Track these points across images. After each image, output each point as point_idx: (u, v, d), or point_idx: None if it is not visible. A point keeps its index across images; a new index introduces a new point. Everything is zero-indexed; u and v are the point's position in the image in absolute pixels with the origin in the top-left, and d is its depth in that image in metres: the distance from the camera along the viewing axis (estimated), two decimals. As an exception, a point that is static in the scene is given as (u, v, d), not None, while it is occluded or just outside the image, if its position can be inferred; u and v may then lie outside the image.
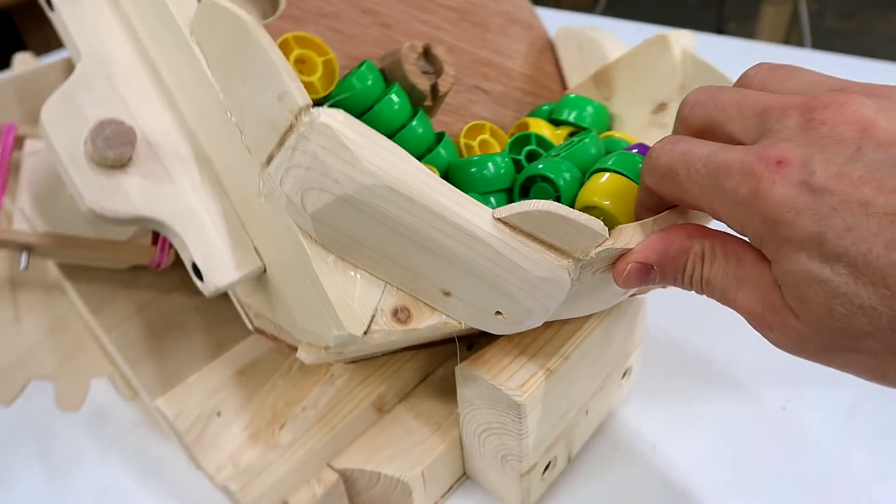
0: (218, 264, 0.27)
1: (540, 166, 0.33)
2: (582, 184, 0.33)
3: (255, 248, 0.28)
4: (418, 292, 0.27)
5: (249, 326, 0.33)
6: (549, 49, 0.47)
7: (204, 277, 0.27)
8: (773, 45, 0.80)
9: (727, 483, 0.38)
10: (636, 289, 0.28)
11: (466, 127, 0.39)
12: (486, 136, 0.40)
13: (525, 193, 0.34)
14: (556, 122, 0.41)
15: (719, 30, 1.79)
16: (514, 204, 0.24)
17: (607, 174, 0.32)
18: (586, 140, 0.35)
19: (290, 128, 0.23)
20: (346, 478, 0.35)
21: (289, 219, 0.26)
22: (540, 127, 0.40)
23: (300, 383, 0.36)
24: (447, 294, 0.26)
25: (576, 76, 0.46)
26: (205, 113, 0.27)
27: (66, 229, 0.31)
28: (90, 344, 0.35)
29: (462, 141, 0.39)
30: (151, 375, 0.34)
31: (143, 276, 0.35)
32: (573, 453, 0.38)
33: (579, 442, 0.38)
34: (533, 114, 0.43)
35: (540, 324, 0.28)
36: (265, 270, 0.29)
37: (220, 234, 0.28)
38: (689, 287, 0.25)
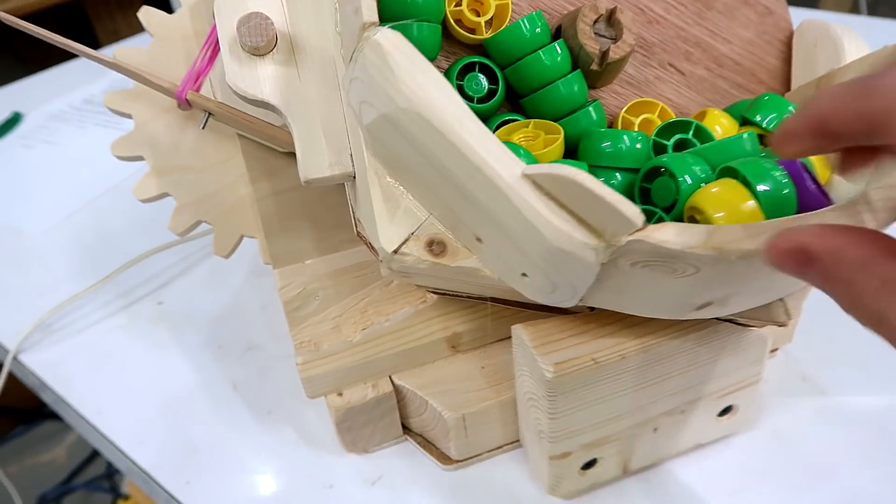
0: (314, 159, 0.31)
1: (665, 158, 0.30)
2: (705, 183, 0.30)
3: (351, 155, 0.31)
4: (456, 230, 0.27)
5: (354, 230, 0.36)
6: (784, 42, 0.41)
7: (299, 167, 0.31)
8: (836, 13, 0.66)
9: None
10: (741, 314, 0.24)
11: (634, 101, 0.37)
12: (652, 115, 0.37)
13: (648, 183, 0.32)
14: (746, 122, 0.36)
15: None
16: (545, 164, 0.23)
17: (732, 180, 0.28)
18: (743, 137, 0.31)
19: (359, 41, 0.25)
20: (401, 395, 0.37)
21: (359, 129, 0.28)
22: (717, 120, 0.36)
23: (395, 298, 0.39)
24: (478, 240, 0.26)
25: (804, 77, 0.40)
26: (332, 22, 0.30)
27: (238, 105, 0.37)
28: (248, 208, 0.41)
29: (622, 115, 0.37)
30: (280, 248, 0.39)
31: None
32: (631, 465, 0.35)
33: (643, 457, 0.35)
34: (731, 108, 0.39)
35: (573, 302, 0.27)
36: (354, 177, 0.31)
37: (324, 133, 0.31)
38: (869, 322, 0.18)
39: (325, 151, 0.31)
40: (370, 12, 0.25)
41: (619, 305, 0.28)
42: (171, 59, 0.40)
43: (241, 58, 0.31)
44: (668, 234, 0.23)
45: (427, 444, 0.38)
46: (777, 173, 0.27)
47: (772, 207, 0.27)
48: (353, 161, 0.31)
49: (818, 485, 0.36)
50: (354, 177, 0.31)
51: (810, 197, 0.28)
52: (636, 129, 0.36)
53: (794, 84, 0.40)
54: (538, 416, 0.32)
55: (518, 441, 0.38)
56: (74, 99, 0.82)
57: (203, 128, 0.37)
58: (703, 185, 0.30)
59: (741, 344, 0.33)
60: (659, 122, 0.37)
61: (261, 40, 0.30)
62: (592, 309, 0.33)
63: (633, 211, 0.22)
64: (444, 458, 0.38)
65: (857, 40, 0.37)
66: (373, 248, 0.36)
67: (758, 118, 0.35)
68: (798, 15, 0.40)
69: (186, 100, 0.36)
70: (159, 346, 0.47)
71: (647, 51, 0.39)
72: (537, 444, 0.34)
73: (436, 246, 0.28)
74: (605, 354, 0.30)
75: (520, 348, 0.32)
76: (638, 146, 0.33)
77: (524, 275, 0.26)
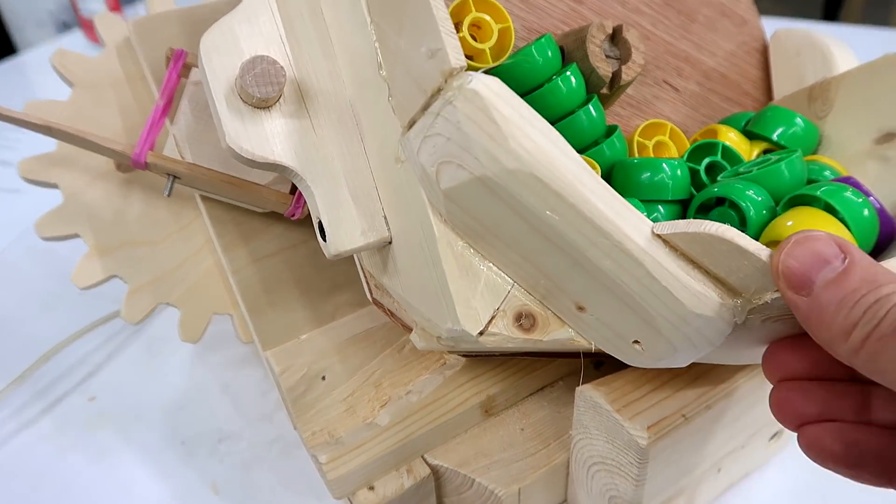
0: (344, 227, 0.26)
1: (722, 188, 0.29)
2: (774, 215, 0.28)
3: (385, 217, 0.26)
4: (549, 300, 0.24)
5: (368, 296, 0.31)
6: (760, 52, 0.41)
7: (328, 238, 0.26)
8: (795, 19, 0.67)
9: None
10: None
11: (644, 124, 0.35)
12: (664, 137, 0.35)
13: (703, 214, 0.30)
14: (752, 136, 0.36)
15: (828, 16, 1.49)
16: (679, 221, 0.20)
17: (810, 209, 0.26)
18: (792, 159, 0.30)
19: (438, 90, 0.21)
20: (438, 475, 0.33)
21: (421, 192, 0.23)
22: (727, 136, 0.35)
23: (410, 365, 0.34)
24: (581, 309, 0.23)
25: (787, 86, 0.39)
26: (358, 63, 0.25)
27: (213, 163, 0.31)
28: (218, 281, 0.35)
29: (636, 139, 0.35)
30: (268, 325, 0.33)
31: (277, 224, 0.34)
32: (693, 512, 0.33)
33: (703, 499, 0.33)
34: (726, 121, 0.38)
35: (684, 365, 0.24)
36: (391, 242, 0.27)
37: (351, 194, 0.26)
38: None
39: (355, 217, 0.26)
40: (457, 55, 0.20)
41: (721, 358, 0.26)
42: (102, 111, 0.33)
43: (242, 112, 0.25)
44: (818, 285, 0.20)
45: (468, 524, 0.34)
46: (857, 197, 0.26)
47: (862, 233, 0.26)
48: (387, 224, 0.26)
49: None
50: (391, 242, 0.27)
51: (884, 217, 0.27)
52: (651, 152, 0.35)
53: (777, 93, 0.40)
54: (614, 482, 0.29)
55: (564, 502, 0.35)
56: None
57: (168, 195, 0.30)
58: (764, 212, 0.28)
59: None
60: (671, 144, 0.35)
61: (272, 90, 0.24)
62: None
63: (786, 266, 0.20)
64: (492, 538, 0.34)
65: (843, 48, 0.37)
66: (394, 315, 0.31)
67: (770, 132, 0.35)
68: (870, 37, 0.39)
69: (146, 163, 0.30)
70: (105, 454, 0.39)
71: (643, 68, 0.37)
72: (606, 509, 0.31)
73: (525, 320, 0.24)
74: (693, 408, 0.27)
75: (590, 412, 0.29)
76: (679, 173, 0.30)
77: (636, 342, 0.23)
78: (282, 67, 0.25)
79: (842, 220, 0.26)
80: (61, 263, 0.52)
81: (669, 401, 0.28)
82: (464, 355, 0.33)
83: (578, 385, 0.29)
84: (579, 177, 0.20)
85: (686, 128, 0.38)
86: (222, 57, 0.25)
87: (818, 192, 0.26)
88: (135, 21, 0.33)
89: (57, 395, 0.43)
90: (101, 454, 0.39)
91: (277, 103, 0.25)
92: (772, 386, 0.22)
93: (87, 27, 0.83)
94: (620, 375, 0.29)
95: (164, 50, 0.33)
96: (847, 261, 0.18)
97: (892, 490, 0.20)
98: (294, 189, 0.32)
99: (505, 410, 0.34)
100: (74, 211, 0.33)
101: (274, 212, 0.34)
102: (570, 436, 0.32)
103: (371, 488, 0.31)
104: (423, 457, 0.33)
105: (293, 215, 0.32)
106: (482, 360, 0.34)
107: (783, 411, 0.22)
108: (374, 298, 0.31)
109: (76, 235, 0.33)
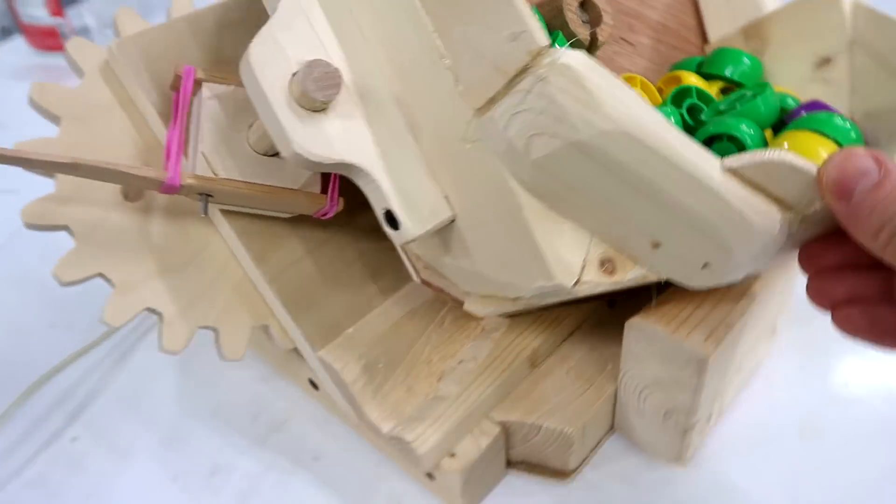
0: (415, 212, 0.27)
1: (724, 125, 0.32)
2: (765, 141, 0.32)
3: (446, 197, 0.28)
4: (625, 243, 0.26)
5: (415, 278, 0.33)
6: (691, 1, 0.45)
7: (401, 226, 0.27)
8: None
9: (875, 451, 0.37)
10: None
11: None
12: (637, 89, 0.38)
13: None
14: (708, 77, 0.40)
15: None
16: (744, 154, 0.23)
17: (804, 131, 0.31)
18: (766, 94, 0.34)
19: (524, 69, 0.22)
20: (506, 430, 0.35)
21: (499, 165, 0.25)
22: (690, 79, 0.39)
23: (453, 337, 0.36)
24: (656, 245, 0.26)
25: (720, 29, 0.44)
26: (405, 55, 0.26)
27: (242, 175, 0.30)
28: (250, 292, 0.35)
29: (615, 93, 0.38)
30: (315, 327, 0.34)
31: (300, 227, 0.34)
32: (723, 407, 0.38)
33: (729, 396, 0.38)
34: (678, 66, 0.42)
35: (741, 278, 0.28)
36: (453, 220, 0.28)
37: (414, 180, 0.27)
38: None
39: (421, 202, 0.27)
40: (541, 35, 0.22)
41: (760, 269, 0.29)
42: (100, 139, 0.32)
43: (302, 118, 0.25)
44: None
45: (534, 468, 0.37)
46: (844, 122, 0.30)
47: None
48: (449, 203, 0.28)
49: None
50: (453, 220, 0.28)
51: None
52: (629, 103, 0.38)
53: (712, 36, 0.44)
54: (671, 397, 0.32)
55: (611, 429, 0.38)
56: None
57: (205, 214, 0.30)
58: (758, 140, 0.32)
59: (788, 267, 0.36)
60: (645, 95, 0.38)
61: (333, 91, 0.25)
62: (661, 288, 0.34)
63: (832, 176, 0.23)
64: (558, 474, 0.36)
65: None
66: (443, 291, 0.33)
67: (725, 70, 0.39)
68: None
69: (181, 186, 0.29)
70: (93, 498, 0.37)
71: (613, 29, 0.40)
72: (660, 425, 0.34)
73: (608, 265, 0.26)
74: (733, 317, 0.31)
75: (643, 341, 0.32)
76: (672, 120, 0.34)
77: (705, 266, 0.26)
78: (336, 69, 0.25)
79: (835, 141, 0.30)
80: (32, 292, 0.49)
81: (711, 316, 0.31)
82: (509, 316, 0.35)
83: (598, 325, 0.33)
84: (666, 129, 0.23)
85: (647, 78, 0.42)
86: (273, 68, 0.25)
87: (814, 125, 0.30)
88: (116, 44, 0.32)
89: (38, 438, 0.40)
90: (90, 498, 0.37)
91: (331, 104, 0.26)
92: (801, 279, 0.27)
93: (30, 33, 0.79)
94: (662, 303, 0.32)
95: (151, 68, 0.32)
96: (883, 172, 0.22)
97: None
98: (325, 188, 0.32)
99: (546, 359, 0.37)
100: (93, 250, 0.31)
101: (295, 215, 0.34)
102: (609, 369, 0.36)
103: (452, 455, 0.33)
104: (488, 416, 0.35)
105: (325, 214, 0.33)
106: (521, 317, 0.36)
107: (819, 296, 0.26)
108: (423, 279, 0.33)
109: (99, 275, 0.32)
